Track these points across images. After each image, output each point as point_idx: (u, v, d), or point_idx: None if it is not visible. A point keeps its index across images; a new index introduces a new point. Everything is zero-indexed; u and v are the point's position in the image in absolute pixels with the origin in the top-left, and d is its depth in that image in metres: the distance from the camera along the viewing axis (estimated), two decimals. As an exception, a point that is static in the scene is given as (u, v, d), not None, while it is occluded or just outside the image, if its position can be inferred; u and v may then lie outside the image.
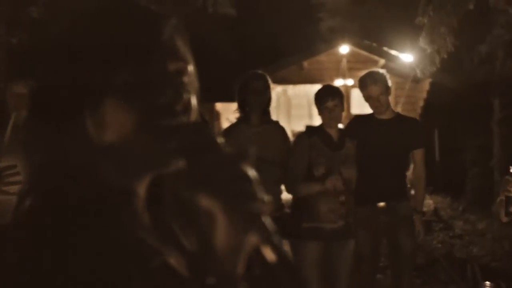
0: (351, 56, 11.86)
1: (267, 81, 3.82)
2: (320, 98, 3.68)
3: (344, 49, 11.72)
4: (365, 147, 3.83)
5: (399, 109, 7.83)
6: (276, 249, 0.72)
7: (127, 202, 0.79)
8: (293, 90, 12.53)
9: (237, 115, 3.89)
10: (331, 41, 12.30)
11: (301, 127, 9.84)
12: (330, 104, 3.63)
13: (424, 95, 12.10)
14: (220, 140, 0.75)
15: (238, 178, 0.72)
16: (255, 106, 3.78)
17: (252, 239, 0.72)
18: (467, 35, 7.86)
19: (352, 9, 13.95)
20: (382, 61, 11.54)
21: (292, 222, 3.69)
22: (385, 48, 11.69)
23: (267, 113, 3.88)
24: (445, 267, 5.51)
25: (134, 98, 0.75)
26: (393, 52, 11.43)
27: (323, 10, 15.13)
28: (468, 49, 8.29)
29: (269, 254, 0.72)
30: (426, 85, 11.82)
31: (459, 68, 9.02)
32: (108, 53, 0.74)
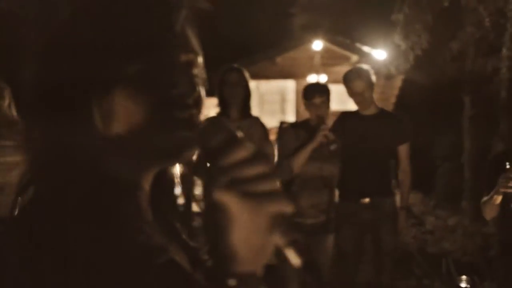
0: (324, 52, 11.90)
1: (242, 74, 3.84)
2: (308, 94, 3.76)
3: (317, 45, 11.76)
4: (350, 143, 3.85)
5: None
6: (301, 251, 0.69)
7: (132, 197, 0.77)
8: (265, 85, 12.53)
9: (217, 110, 3.89)
10: (304, 37, 12.33)
11: (273, 123, 9.83)
12: (317, 100, 3.71)
13: (396, 91, 12.22)
14: (240, 135, 0.73)
15: (263, 177, 0.69)
16: (231, 99, 3.79)
17: (275, 240, 0.70)
18: (440, 32, 7.95)
19: (325, 5, 14.00)
20: (355, 57, 11.62)
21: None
22: (358, 45, 11.77)
23: (247, 107, 3.87)
24: (419, 262, 5.57)
25: (145, 88, 0.73)
26: (366, 48, 11.51)
27: (297, 5, 15.16)
28: (440, 46, 8.39)
29: (293, 257, 0.69)
30: (398, 82, 11.94)
31: (431, 65, 9.12)
32: (120, 43, 0.72)
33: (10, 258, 0.66)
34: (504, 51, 7.57)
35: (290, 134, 3.77)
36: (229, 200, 0.69)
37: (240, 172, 0.69)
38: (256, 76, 12.27)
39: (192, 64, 0.79)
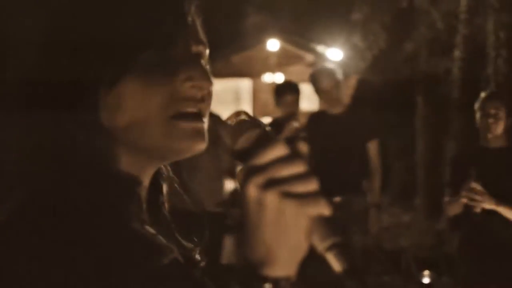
0: (280, 51, 11.95)
1: None
2: (280, 92, 3.84)
3: (273, 44, 11.79)
4: (320, 143, 3.87)
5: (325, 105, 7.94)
6: (343, 256, 0.66)
7: (134, 194, 0.73)
8: (220, 85, 12.48)
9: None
10: (260, 36, 12.35)
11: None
12: (289, 98, 3.78)
13: (350, 91, 12.36)
14: (270, 130, 0.70)
15: (302, 177, 0.67)
16: None
17: (315, 244, 0.67)
18: (396, 32, 8.09)
19: (282, 5, 14.05)
20: (311, 57, 11.71)
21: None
22: (314, 44, 11.86)
23: None
24: (379, 259, 5.64)
25: (155, 81, 0.70)
26: (322, 48, 11.61)
27: (253, 4, 15.16)
28: (395, 46, 8.54)
29: (334, 262, 0.66)
30: (352, 82, 12.08)
31: (386, 65, 9.28)
32: (131, 34, 0.70)
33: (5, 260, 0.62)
34: (456, 52, 7.76)
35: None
36: (268, 201, 0.65)
37: (278, 172, 0.66)
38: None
39: (201, 56, 0.77)
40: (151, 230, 0.70)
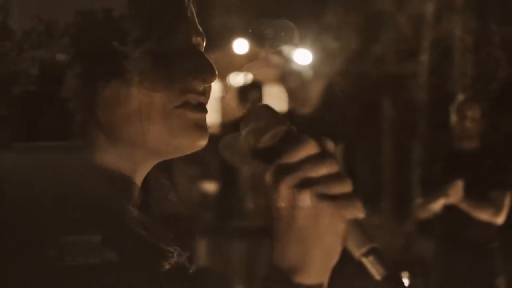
0: (247, 52, 11.92)
1: None
2: (244, 91, 3.87)
3: (241, 45, 11.76)
4: None
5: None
6: (382, 261, 0.63)
7: (130, 194, 0.70)
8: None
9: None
10: (225, 37, 12.30)
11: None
12: (253, 96, 3.81)
13: (317, 93, 12.44)
14: (294, 128, 0.66)
15: (337, 177, 0.63)
16: None
17: (351, 249, 0.65)
18: (363, 36, 8.17)
19: (252, 5, 14.07)
20: (279, 58, 11.72)
21: (217, 220, 3.66)
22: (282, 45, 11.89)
23: None
24: (349, 261, 5.66)
25: (156, 72, 0.67)
26: (290, 49, 11.63)
27: (218, 5, 15.14)
28: (362, 49, 8.61)
29: (372, 268, 0.63)
30: (319, 83, 12.16)
31: (353, 68, 9.36)
32: (131, 25, 0.67)
33: None
34: (423, 56, 7.88)
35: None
36: (302, 203, 0.62)
37: (312, 172, 0.62)
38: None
39: (200, 47, 0.76)
40: (145, 233, 0.66)
